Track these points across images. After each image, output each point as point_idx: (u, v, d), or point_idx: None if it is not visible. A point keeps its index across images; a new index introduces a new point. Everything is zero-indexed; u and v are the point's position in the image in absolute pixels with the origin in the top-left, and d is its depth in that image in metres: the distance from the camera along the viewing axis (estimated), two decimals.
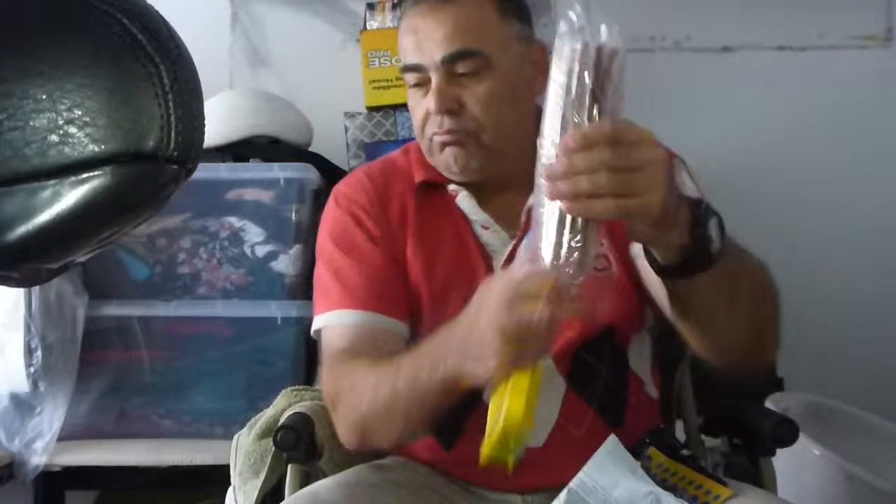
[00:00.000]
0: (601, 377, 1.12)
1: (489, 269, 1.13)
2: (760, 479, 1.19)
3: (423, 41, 1.10)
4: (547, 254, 0.79)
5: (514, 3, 1.15)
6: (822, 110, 2.19)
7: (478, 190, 1.17)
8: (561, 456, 1.07)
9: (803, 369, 2.03)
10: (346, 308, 1.12)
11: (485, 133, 1.11)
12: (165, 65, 0.42)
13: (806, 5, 2.19)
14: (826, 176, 2.18)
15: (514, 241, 1.13)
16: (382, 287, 1.13)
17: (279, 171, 1.77)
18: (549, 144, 0.78)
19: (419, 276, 1.14)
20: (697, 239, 0.85)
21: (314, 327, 1.16)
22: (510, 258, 1.11)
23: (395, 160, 1.24)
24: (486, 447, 0.82)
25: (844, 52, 2.21)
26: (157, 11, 0.43)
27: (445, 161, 1.14)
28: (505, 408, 0.81)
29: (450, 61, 1.09)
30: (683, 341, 1.25)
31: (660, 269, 0.89)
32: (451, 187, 1.17)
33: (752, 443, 1.22)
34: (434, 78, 1.10)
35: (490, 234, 1.15)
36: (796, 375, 2.03)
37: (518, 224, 1.14)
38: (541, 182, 0.79)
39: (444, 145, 1.12)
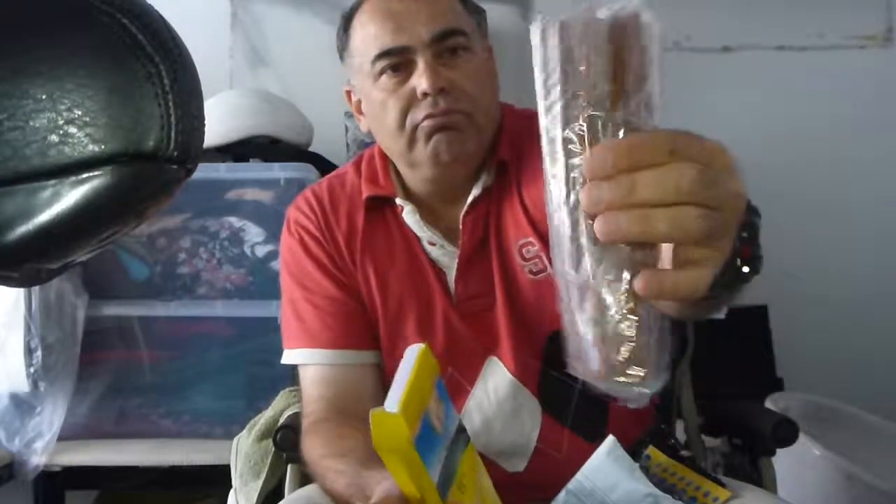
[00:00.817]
0: (575, 393, 1.07)
1: (443, 286, 1.11)
2: (760, 479, 1.18)
3: (406, 22, 1.06)
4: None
5: (472, 2, 1.15)
6: (822, 110, 2.19)
7: (423, 205, 1.14)
8: (544, 477, 1.04)
9: (803, 369, 2.03)
10: (309, 347, 1.12)
11: (478, 113, 1.08)
12: (165, 65, 0.41)
13: (806, 5, 2.19)
14: (826, 176, 2.18)
15: (457, 256, 1.11)
16: (338, 319, 1.12)
17: (279, 171, 1.77)
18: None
19: (374, 295, 1.13)
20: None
21: (284, 360, 1.16)
22: (462, 272, 1.10)
23: (345, 175, 1.20)
24: None
25: (844, 52, 2.21)
26: (157, 11, 0.43)
27: (434, 148, 1.06)
28: None
29: (440, 39, 1.05)
30: (683, 341, 1.25)
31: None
32: (398, 201, 1.14)
33: (752, 443, 1.22)
34: (423, 57, 1.05)
35: (437, 250, 1.12)
36: (796, 375, 2.03)
37: (469, 234, 1.11)
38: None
39: (434, 130, 1.06)
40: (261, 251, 1.76)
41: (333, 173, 1.24)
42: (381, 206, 1.15)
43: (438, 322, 1.10)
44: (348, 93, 1.17)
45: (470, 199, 1.10)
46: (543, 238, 1.06)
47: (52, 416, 1.64)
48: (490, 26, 2.12)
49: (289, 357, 1.15)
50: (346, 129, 1.94)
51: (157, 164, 0.42)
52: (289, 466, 1.19)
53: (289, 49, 2.25)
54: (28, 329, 1.62)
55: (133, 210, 0.43)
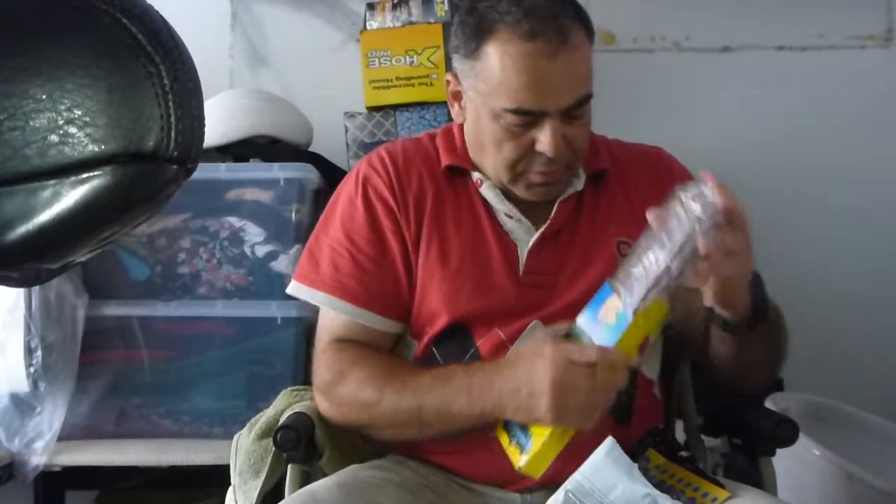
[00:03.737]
0: None
1: (511, 256, 1.16)
2: (760, 479, 1.18)
3: (549, 88, 1.07)
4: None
5: (593, 36, 1.15)
6: (822, 110, 2.18)
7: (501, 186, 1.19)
8: (564, 451, 1.06)
9: (803, 369, 2.02)
10: (338, 298, 1.16)
11: (578, 162, 1.16)
12: (165, 65, 0.42)
13: (806, 5, 2.19)
14: (826, 176, 2.18)
15: (540, 231, 1.16)
16: (375, 283, 1.16)
17: (279, 171, 1.77)
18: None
19: (433, 259, 1.16)
20: (757, 298, 1.04)
21: (298, 294, 1.20)
22: (537, 248, 1.16)
23: (421, 141, 1.25)
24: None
25: (844, 52, 2.21)
26: (157, 11, 0.43)
27: (533, 192, 1.16)
28: (534, 450, 0.97)
29: (574, 107, 1.09)
30: (684, 343, 1.25)
31: (725, 324, 1.05)
32: (476, 176, 1.19)
33: (752, 443, 1.22)
34: (552, 123, 1.08)
35: (514, 223, 1.17)
36: (796, 375, 2.03)
37: (546, 217, 1.17)
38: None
39: (542, 184, 1.14)
40: (261, 251, 1.76)
41: (408, 138, 1.30)
42: (455, 177, 1.20)
43: (497, 288, 1.14)
44: (449, 81, 1.19)
45: (567, 194, 1.18)
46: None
47: (52, 416, 1.64)
48: None
49: (311, 296, 1.18)
50: (346, 129, 1.94)
51: (157, 164, 0.42)
52: (289, 466, 1.19)
53: (289, 49, 2.25)
54: (28, 329, 1.62)
55: (133, 210, 0.43)
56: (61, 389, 1.65)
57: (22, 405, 1.65)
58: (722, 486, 0.99)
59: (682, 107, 2.18)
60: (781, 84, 2.20)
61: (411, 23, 1.93)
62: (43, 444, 1.63)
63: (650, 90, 2.18)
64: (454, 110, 1.20)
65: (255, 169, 1.85)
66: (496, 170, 1.15)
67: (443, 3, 1.92)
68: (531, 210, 1.18)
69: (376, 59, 1.91)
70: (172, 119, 0.42)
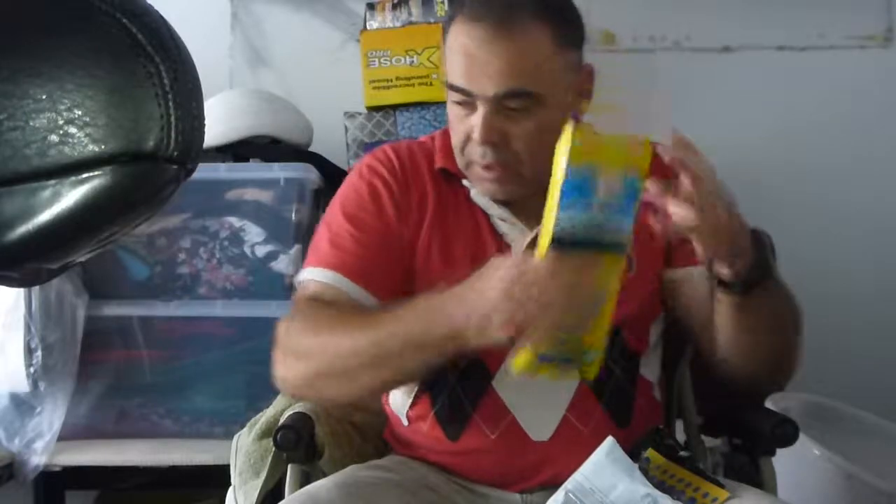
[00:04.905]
0: (614, 377, 1.13)
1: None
2: (760, 479, 1.18)
3: (475, 70, 1.07)
4: None
5: (570, 32, 1.12)
6: (822, 110, 2.18)
7: None
8: (565, 452, 1.08)
9: (803, 369, 2.02)
10: (332, 269, 1.13)
11: (524, 167, 1.11)
12: (165, 65, 0.42)
13: (806, 5, 2.19)
14: (826, 176, 2.18)
15: (535, 231, 1.12)
16: (373, 263, 1.14)
17: (279, 171, 1.78)
18: None
19: (436, 261, 1.15)
20: (759, 259, 1.03)
21: (298, 278, 1.19)
22: (531, 246, 1.11)
23: (425, 143, 1.24)
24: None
25: (844, 52, 2.21)
26: (157, 11, 0.43)
27: (481, 186, 1.15)
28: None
29: (501, 98, 1.07)
30: (683, 341, 1.25)
31: (726, 285, 1.02)
32: (466, 182, 1.18)
33: (752, 443, 1.22)
34: (481, 109, 1.08)
35: (508, 226, 1.16)
36: (796, 375, 2.03)
37: (538, 216, 1.14)
38: None
39: (481, 174, 1.13)
40: (261, 251, 1.76)
41: (413, 140, 1.28)
42: (450, 178, 1.19)
43: None
44: None
45: None
46: (637, 241, 1.09)
47: (52, 416, 1.64)
48: None
49: (312, 273, 1.15)
50: (346, 129, 1.94)
51: (157, 164, 0.42)
52: (289, 466, 1.19)
53: (289, 49, 2.25)
54: (28, 329, 1.62)
55: (133, 210, 0.43)
56: (61, 389, 1.65)
57: (22, 405, 1.65)
58: (722, 486, 0.99)
59: (682, 107, 2.18)
60: (781, 84, 2.20)
61: (411, 23, 1.93)
62: (43, 444, 1.63)
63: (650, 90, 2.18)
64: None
65: (255, 169, 1.85)
66: (456, 154, 1.15)
67: (443, 3, 1.92)
68: (524, 211, 1.16)
69: (376, 59, 1.91)
70: (172, 119, 0.42)
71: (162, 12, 0.44)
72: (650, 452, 1.04)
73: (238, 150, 1.88)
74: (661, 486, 0.98)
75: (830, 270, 2.17)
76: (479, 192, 1.16)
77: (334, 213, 1.19)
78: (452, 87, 1.10)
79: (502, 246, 1.15)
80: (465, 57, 1.08)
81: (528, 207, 1.15)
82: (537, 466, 1.10)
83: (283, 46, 2.25)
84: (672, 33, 2.21)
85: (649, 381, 1.18)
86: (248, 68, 2.24)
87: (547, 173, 1.08)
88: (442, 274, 1.13)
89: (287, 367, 1.09)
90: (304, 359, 1.08)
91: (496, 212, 1.16)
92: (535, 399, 1.11)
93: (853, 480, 1.63)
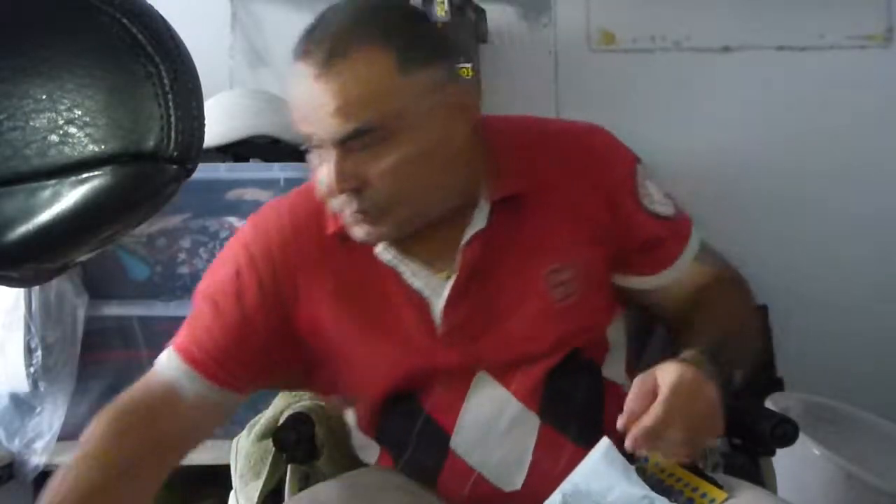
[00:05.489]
0: (576, 402, 1.06)
1: (423, 314, 1.04)
2: (760, 479, 1.18)
3: (311, 113, 0.94)
4: None
5: (419, 52, 0.96)
6: (822, 110, 2.18)
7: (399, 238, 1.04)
8: (542, 494, 0.99)
9: (803, 369, 2.03)
10: (177, 352, 1.04)
11: (399, 206, 0.97)
12: (165, 65, 0.42)
13: (806, 5, 2.19)
14: (826, 176, 2.18)
15: (449, 285, 1.03)
16: (224, 353, 1.03)
17: (279, 171, 1.77)
18: None
19: (347, 334, 1.05)
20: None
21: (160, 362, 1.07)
22: (452, 302, 1.03)
23: (313, 201, 1.05)
24: None
25: (844, 52, 2.21)
26: (157, 11, 0.43)
27: (356, 235, 1.01)
28: None
29: (345, 141, 0.94)
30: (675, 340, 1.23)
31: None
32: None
33: (752, 443, 1.21)
34: (329, 154, 0.94)
35: (421, 280, 1.04)
36: (796, 375, 2.03)
37: (453, 262, 1.03)
38: None
39: (354, 224, 0.99)
40: None
41: (304, 191, 1.09)
42: (347, 241, 1.03)
43: (419, 352, 1.04)
44: None
45: (467, 237, 1.03)
46: (575, 266, 1.05)
47: (52, 416, 1.64)
48: (490, 26, 2.12)
49: (164, 355, 1.06)
50: None
51: (157, 164, 0.42)
52: (289, 466, 1.19)
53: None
54: (28, 329, 1.62)
55: (133, 210, 0.43)
56: (61, 389, 1.65)
57: (22, 405, 1.65)
58: (720, 486, 0.99)
59: (682, 107, 2.18)
60: (781, 84, 2.20)
61: None
62: (43, 444, 1.63)
63: (650, 90, 2.18)
64: None
65: (255, 169, 1.85)
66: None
67: (443, 3, 1.92)
68: (438, 259, 1.04)
69: None
70: (172, 119, 0.42)
71: (162, 12, 0.44)
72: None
73: (238, 150, 1.88)
74: (659, 484, 0.98)
75: (830, 271, 2.17)
76: (359, 238, 1.01)
77: (206, 283, 1.09)
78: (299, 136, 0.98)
79: (417, 299, 1.04)
80: (296, 99, 0.96)
81: (429, 248, 1.04)
82: None
83: (283, 46, 2.23)
84: (672, 33, 2.21)
85: (615, 383, 1.10)
86: (248, 68, 2.24)
87: (430, 203, 1.01)
88: (355, 345, 1.06)
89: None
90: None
91: (405, 267, 1.04)
92: (497, 452, 1.04)
93: (853, 480, 1.63)
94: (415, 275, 1.04)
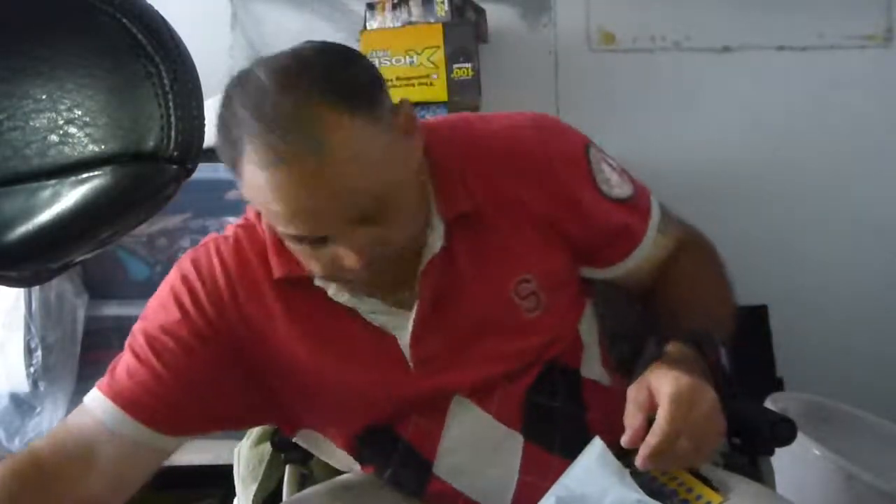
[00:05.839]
0: (557, 413, 1.03)
1: (391, 350, 0.99)
2: (760, 478, 1.18)
3: (315, 214, 0.86)
4: None
5: (369, 93, 0.88)
6: (822, 110, 2.19)
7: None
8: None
9: (803, 369, 2.03)
10: (107, 396, 0.98)
11: (403, 249, 0.94)
12: (165, 65, 0.42)
13: (806, 5, 2.19)
14: (826, 175, 2.18)
15: (412, 319, 0.98)
16: (163, 400, 0.98)
17: None
18: None
19: (307, 381, 1.01)
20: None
21: (87, 403, 1.01)
22: (417, 336, 0.99)
23: (255, 240, 1.02)
24: None
25: (844, 52, 2.21)
26: (157, 11, 0.43)
27: (349, 292, 0.97)
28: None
29: (363, 222, 0.88)
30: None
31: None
32: (318, 282, 0.98)
33: (752, 442, 1.21)
34: (345, 242, 0.88)
35: (383, 317, 0.99)
36: (796, 375, 2.03)
37: (413, 291, 0.98)
38: None
39: (369, 284, 0.95)
40: None
41: (242, 227, 1.05)
42: (297, 284, 0.98)
43: (392, 387, 1.01)
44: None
45: (424, 262, 0.97)
46: (541, 274, 1.01)
47: (52, 416, 1.64)
48: (490, 26, 2.12)
49: (88, 397, 1.00)
50: None
51: (157, 164, 0.42)
52: (287, 467, 1.19)
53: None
54: (28, 329, 1.62)
55: (133, 210, 0.43)
56: (61, 389, 1.65)
57: (22, 405, 1.65)
58: (716, 489, 0.98)
59: (682, 107, 2.18)
60: (781, 84, 2.20)
61: (411, 23, 1.93)
62: None
63: (650, 90, 2.18)
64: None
65: None
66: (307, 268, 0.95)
67: (443, 3, 1.92)
68: (397, 290, 0.98)
69: (376, 59, 1.91)
70: (172, 119, 0.42)
71: (162, 12, 0.44)
72: None
73: None
74: (652, 483, 0.97)
75: (830, 271, 2.17)
76: (352, 292, 0.98)
77: (140, 326, 1.02)
78: (298, 238, 0.89)
79: (381, 336, 0.99)
80: (291, 206, 0.85)
81: (384, 280, 0.97)
82: None
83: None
84: (672, 33, 2.21)
85: (594, 381, 1.08)
86: None
87: (417, 236, 0.95)
88: (339, 385, 1.01)
89: None
90: None
91: (365, 307, 0.98)
92: (483, 475, 1.01)
93: (853, 480, 1.63)
94: (374, 312, 0.99)
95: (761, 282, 2.05)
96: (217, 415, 1.03)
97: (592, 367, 1.08)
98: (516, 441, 1.01)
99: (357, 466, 1.11)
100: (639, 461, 0.86)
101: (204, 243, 1.04)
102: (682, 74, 2.20)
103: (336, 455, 1.11)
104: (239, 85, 0.89)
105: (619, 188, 1.05)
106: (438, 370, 1.00)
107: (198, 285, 0.99)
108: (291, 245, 0.92)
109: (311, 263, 0.92)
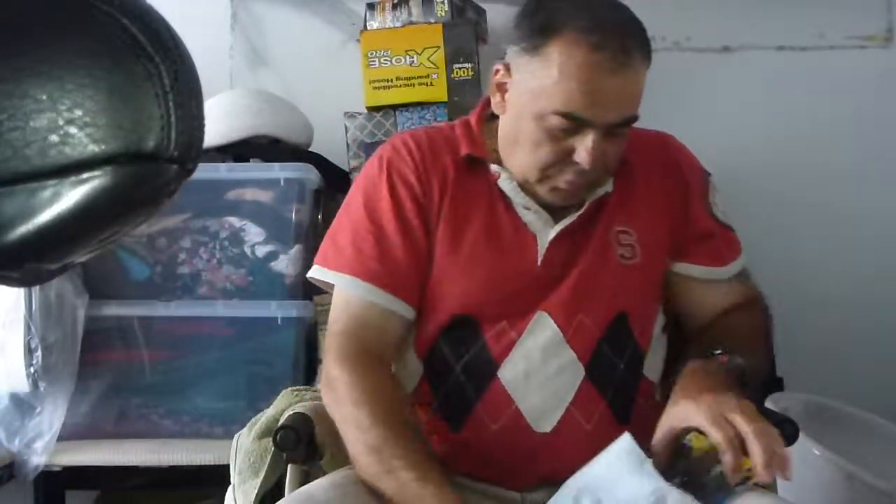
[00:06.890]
0: (619, 374, 1.14)
1: (529, 246, 1.15)
2: None
3: (604, 102, 1.06)
4: None
5: (650, 55, 1.13)
6: (822, 110, 2.19)
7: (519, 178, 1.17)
8: (566, 447, 1.08)
9: (803, 369, 2.03)
10: (358, 277, 1.14)
11: (608, 176, 1.15)
12: (165, 65, 0.41)
13: (806, 5, 2.19)
14: (826, 176, 2.18)
15: (564, 224, 1.15)
16: (396, 265, 1.14)
17: (279, 171, 1.78)
18: None
19: (446, 249, 1.15)
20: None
21: (320, 277, 1.18)
22: (557, 240, 1.15)
23: (443, 130, 1.23)
24: None
25: (844, 52, 2.21)
26: (157, 11, 0.43)
27: (556, 196, 1.14)
28: None
29: (614, 125, 1.08)
30: (685, 343, 1.25)
31: None
32: (494, 168, 1.17)
33: None
34: (595, 136, 1.06)
35: (532, 214, 1.16)
36: (796, 375, 2.03)
37: (563, 209, 1.15)
38: None
39: (567, 191, 1.12)
40: (261, 251, 1.76)
41: (430, 126, 1.28)
42: (474, 166, 1.18)
43: (510, 279, 1.14)
44: (498, 70, 1.17)
45: (598, 194, 1.16)
46: (642, 230, 1.17)
47: (52, 416, 1.64)
48: (490, 26, 2.12)
49: (335, 278, 1.16)
50: (346, 129, 1.94)
51: (157, 164, 0.42)
52: (289, 466, 1.19)
53: (289, 49, 2.25)
54: (28, 329, 1.62)
55: (133, 210, 0.43)
56: (61, 389, 1.65)
57: (22, 405, 1.65)
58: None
59: (682, 107, 2.18)
60: (781, 84, 2.20)
61: (411, 23, 1.93)
62: (43, 444, 1.63)
63: (650, 90, 2.18)
64: (495, 100, 1.17)
65: (255, 169, 1.85)
66: (524, 168, 1.13)
67: (443, 3, 1.92)
68: (549, 203, 1.16)
69: (376, 59, 1.91)
70: (172, 119, 0.41)
71: (162, 12, 0.44)
72: (694, 436, 1.01)
73: (238, 150, 1.88)
74: (699, 462, 0.97)
75: (831, 271, 2.17)
76: (547, 198, 1.14)
77: (356, 207, 1.18)
78: (567, 116, 1.06)
79: (523, 232, 1.15)
80: (589, 86, 1.05)
81: (552, 201, 1.16)
82: (538, 459, 1.10)
83: (283, 46, 2.25)
84: (672, 33, 2.21)
85: (651, 382, 1.18)
86: (248, 68, 2.24)
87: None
88: (450, 260, 1.15)
89: (331, 413, 1.12)
90: (345, 437, 1.09)
91: (521, 200, 1.15)
92: (540, 390, 1.11)
93: (853, 480, 1.63)
94: (527, 209, 1.16)
95: (761, 281, 2.05)
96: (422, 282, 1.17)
97: (654, 368, 1.20)
98: (578, 371, 1.12)
99: (412, 382, 1.19)
100: (762, 477, 0.95)
101: (394, 138, 1.23)
102: (682, 74, 2.20)
103: (405, 358, 1.20)
104: None
105: (724, 216, 1.25)
106: (552, 277, 1.14)
107: (401, 165, 1.18)
108: (544, 127, 1.07)
109: (542, 150, 1.09)
